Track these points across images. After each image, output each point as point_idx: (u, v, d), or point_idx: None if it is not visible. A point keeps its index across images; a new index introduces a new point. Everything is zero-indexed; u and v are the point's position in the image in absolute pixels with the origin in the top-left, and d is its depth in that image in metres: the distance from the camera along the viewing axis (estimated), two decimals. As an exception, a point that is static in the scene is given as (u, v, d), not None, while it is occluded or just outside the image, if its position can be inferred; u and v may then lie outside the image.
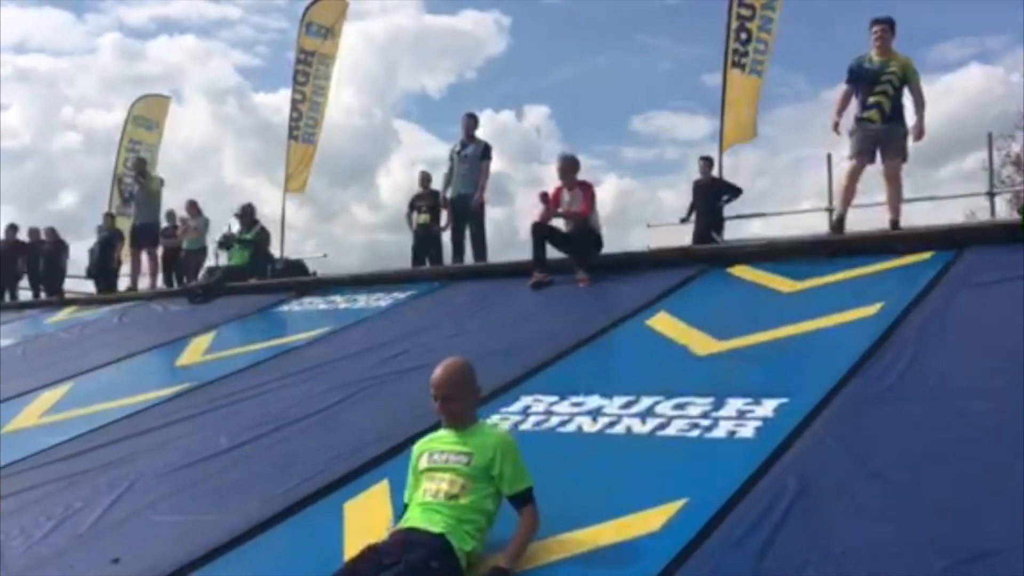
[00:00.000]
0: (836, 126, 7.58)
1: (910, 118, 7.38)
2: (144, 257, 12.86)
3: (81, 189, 34.31)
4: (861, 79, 7.40)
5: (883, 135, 7.35)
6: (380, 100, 48.61)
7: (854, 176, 7.63)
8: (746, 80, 11.37)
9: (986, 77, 37.11)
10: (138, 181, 12.73)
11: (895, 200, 7.42)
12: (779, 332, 5.24)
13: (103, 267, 13.59)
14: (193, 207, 13.09)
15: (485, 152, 10.07)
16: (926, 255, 6.26)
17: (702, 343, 5.34)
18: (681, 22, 49.27)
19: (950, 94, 36.36)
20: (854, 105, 7.47)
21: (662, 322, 5.97)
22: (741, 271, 6.98)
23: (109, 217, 14.06)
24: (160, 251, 13.08)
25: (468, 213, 10.02)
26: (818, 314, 5.36)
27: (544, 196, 7.90)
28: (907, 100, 7.40)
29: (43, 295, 14.23)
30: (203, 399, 6.18)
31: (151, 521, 4.20)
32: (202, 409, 5.93)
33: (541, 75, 51.92)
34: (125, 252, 13.54)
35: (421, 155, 48.28)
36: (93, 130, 39.63)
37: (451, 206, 10.21)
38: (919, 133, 7.36)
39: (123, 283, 13.64)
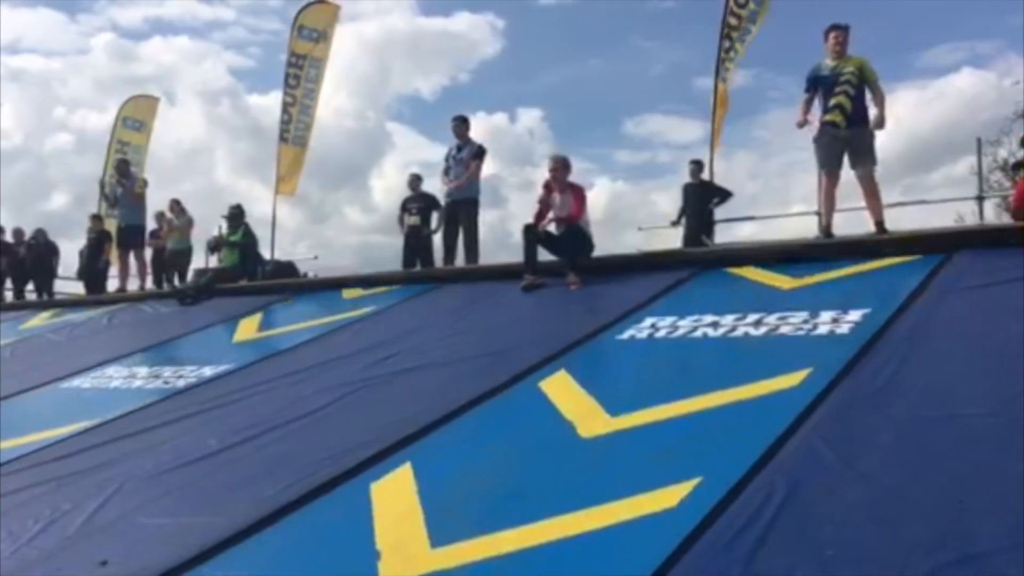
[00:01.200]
0: (803, 123, 7.64)
1: (892, 124, 7.49)
2: (131, 259, 12.82)
3: (72, 190, 34.21)
4: (819, 85, 7.50)
5: (848, 139, 7.42)
6: (373, 102, 48.65)
7: (830, 189, 7.75)
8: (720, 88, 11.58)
9: (978, 82, 37.32)
10: (120, 183, 12.64)
11: (875, 204, 7.49)
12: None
13: (91, 269, 13.55)
14: (176, 206, 13.03)
15: (478, 153, 10.11)
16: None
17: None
18: (674, 25, 49.47)
19: (943, 99, 36.56)
20: (817, 109, 7.57)
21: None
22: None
23: (96, 218, 14.02)
24: (148, 252, 13.05)
25: (461, 215, 10.04)
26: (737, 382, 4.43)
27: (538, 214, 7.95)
28: (870, 102, 7.48)
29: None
30: (192, 401, 6.16)
31: (140, 523, 4.17)
32: (191, 411, 5.91)
33: (534, 78, 52.04)
34: (114, 254, 13.51)
35: (414, 157, 48.26)
36: (85, 131, 39.57)
37: (447, 209, 10.23)
38: (879, 122, 7.42)
39: (112, 284, 13.62)
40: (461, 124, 10.26)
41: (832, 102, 7.40)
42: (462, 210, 10.04)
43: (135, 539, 4.00)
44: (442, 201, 10.41)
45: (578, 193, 7.89)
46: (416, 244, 10.97)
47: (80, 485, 4.83)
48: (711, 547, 3.01)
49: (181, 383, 6.80)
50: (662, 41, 49.54)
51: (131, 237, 12.59)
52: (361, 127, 46.37)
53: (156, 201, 13.15)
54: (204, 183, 39.36)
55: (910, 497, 3.13)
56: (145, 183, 13.03)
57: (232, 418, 5.61)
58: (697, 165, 11.30)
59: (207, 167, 41.74)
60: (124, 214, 12.61)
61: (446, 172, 10.18)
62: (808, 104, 7.60)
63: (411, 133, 52.35)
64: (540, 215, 7.93)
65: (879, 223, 7.40)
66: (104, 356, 8.28)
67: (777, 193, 40.30)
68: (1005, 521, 2.83)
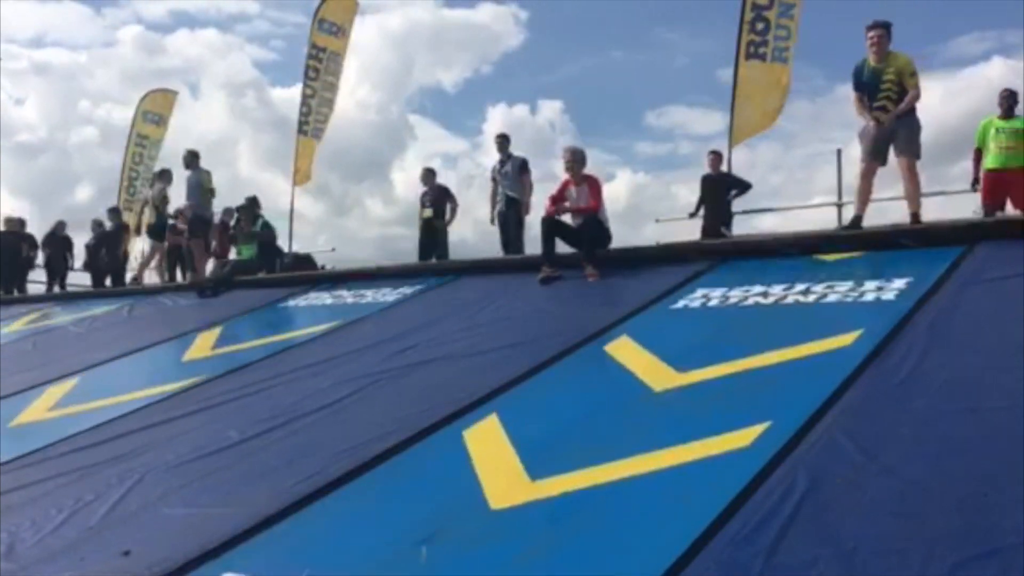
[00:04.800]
0: (875, 120, 7.52)
1: (920, 113, 7.38)
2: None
3: (97, 183, 34.38)
4: (864, 85, 7.44)
5: (894, 130, 7.35)
6: (396, 95, 48.51)
7: (867, 177, 7.64)
8: (769, 68, 11.22)
9: (1008, 72, 36.65)
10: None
11: (913, 193, 7.41)
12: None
13: (111, 261, 13.62)
14: (164, 177, 12.89)
15: (523, 167, 10.32)
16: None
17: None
18: (697, 16, 49.04)
19: (972, 89, 36.03)
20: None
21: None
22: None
23: (114, 212, 14.07)
24: (166, 245, 13.04)
25: (513, 220, 10.27)
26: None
27: (553, 199, 7.95)
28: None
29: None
30: (213, 393, 6.20)
31: (161, 514, 4.20)
32: (212, 403, 5.94)
33: (557, 69, 51.75)
34: (133, 247, 13.61)
35: (436, 150, 48.05)
36: (110, 124, 39.56)
37: (500, 219, 10.42)
38: (896, 114, 7.31)
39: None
40: (504, 141, 10.53)
41: (877, 104, 7.34)
42: (512, 211, 10.24)
43: (157, 529, 4.03)
44: (495, 216, 10.55)
45: (595, 185, 7.87)
46: (431, 237, 11.03)
47: (102, 476, 4.87)
48: (732, 540, 3.00)
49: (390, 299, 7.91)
50: (685, 32, 49.14)
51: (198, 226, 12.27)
52: (383, 120, 46.34)
53: (181, 193, 12.89)
54: (227, 176, 39.63)
55: (933, 490, 3.12)
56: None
57: (252, 409, 5.63)
58: (716, 156, 11.22)
59: (230, 160, 41.83)
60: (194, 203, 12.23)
61: (496, 187, 10.42)
62: (861, 100, 7.52)
63: (433, 126, 52.25)
64: (554, 201, 7.91)
65: (914, 214, 7.33)
66: (124, 349, 8.35)
67: (800, 185, 39.95)
68: (1030, 514, 2.81)
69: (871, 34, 7.32)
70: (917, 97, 7.32)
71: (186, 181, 11.81)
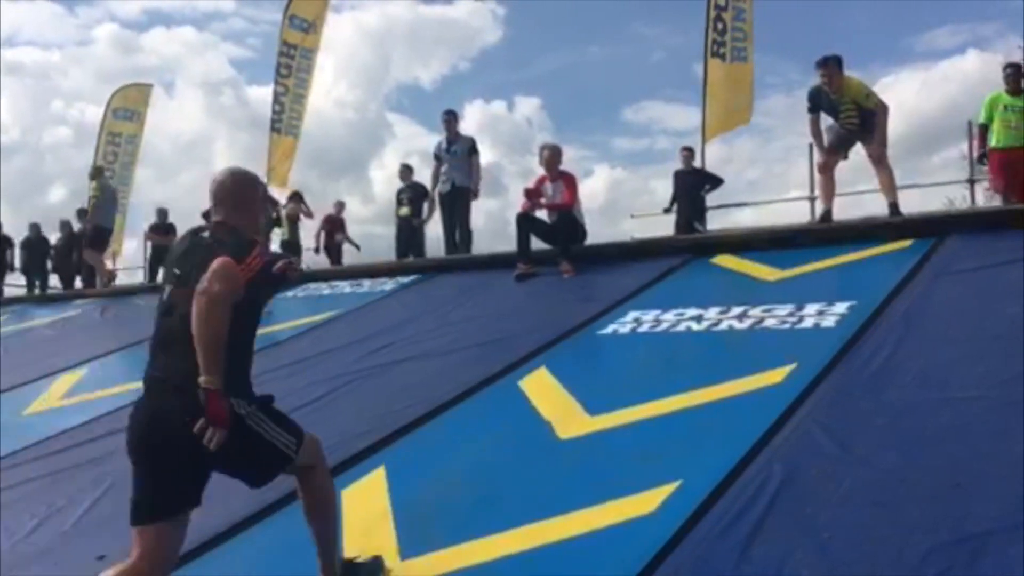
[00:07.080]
0: (824, 153, 7.65)
1: (896, 108, 7.45)
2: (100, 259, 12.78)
3: (71, 184, 34.06)
4: (822, 108, 7.52)
5: (858, 134, 7.43)
6: (374, 93, 48.50)
7: (827, 170, 7.70)
8: (729, 68, 11.30)
9: (983, 65, 37.22)
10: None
11: (888, 183, 7.46)
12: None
13: (80, 264, 13.50)
14: (296, 197, 13.04)
15: (473, 148, 10.02)
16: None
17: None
18: (674, 11, 49.34)
19: (948, 81, 36.51)
20: (826, 119, 7.61)
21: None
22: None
23: (84, 213, 13.94)
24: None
25: (459, 205, 9.97)
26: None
27: (528, 192, 7.87)
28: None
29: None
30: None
31: (136, 518, 4.15)
32: (186, 405, 5.88)
33: (534, 65, 51.83)
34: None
35: (414, 147, 48.04)
36: (84, 124, 39.30)
37: (442, 201, 10.11)
38: (878, 144, 7.40)
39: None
40: (453, 118, 10.17)
41: (841, 121, 7.45)
42: (459, 198, 9.93)
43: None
44: (435, 196, 10.28)
45: (570, 181, 7.87)
46: (408, 234, 10.97)
47: (75, 481, 4.81)
48: (708, 533, 3.01)
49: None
50: (664, 28, 49.44)
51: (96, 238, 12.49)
52: (362, 117, 46.31)
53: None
54: (204, 175, 39.35)
55: (907, 480, 3.14)
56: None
57: (227, 411, 5.57)
58: (689, 152, 11.27)
59: (207, 158, 41.61)
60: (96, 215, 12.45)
61: (438, 169, 10.06)
62: (816, 124, 7.59)
63: (411, 123, 52.24)
64: (530, 195, 7.87)
65: (893, 204, 7.37)
66: (96, 351, 8.26)
67: (777, 179, 40.31)
68: (1002, 502, 2.84)
69: (821, 72, 7.39)
70: (885, 112, 7.40)
71: (96, 191, 12.21)
